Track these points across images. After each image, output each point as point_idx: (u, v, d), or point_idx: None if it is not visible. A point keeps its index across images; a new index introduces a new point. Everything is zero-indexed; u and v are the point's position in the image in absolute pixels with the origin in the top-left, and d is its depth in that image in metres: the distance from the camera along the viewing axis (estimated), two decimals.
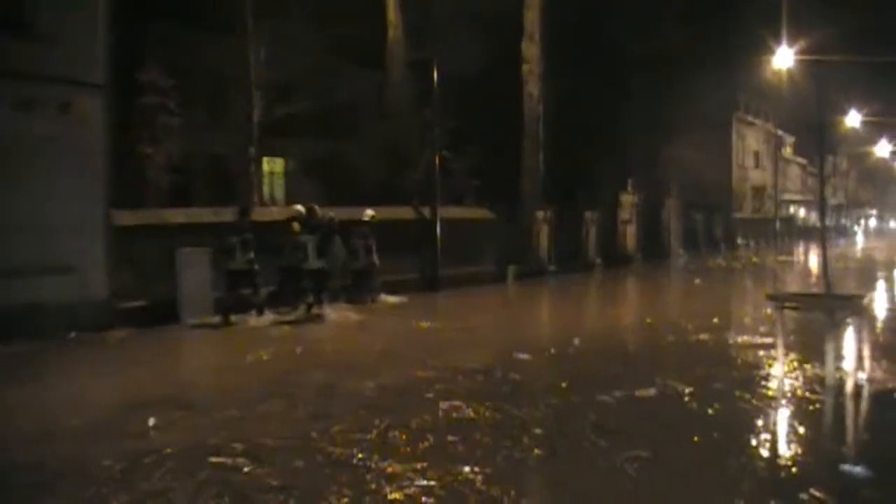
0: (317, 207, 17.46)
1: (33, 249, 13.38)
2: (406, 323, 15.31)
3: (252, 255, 15.50)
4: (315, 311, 16.22)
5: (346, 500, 5.81)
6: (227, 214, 16.62)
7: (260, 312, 15.76)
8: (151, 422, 7.95)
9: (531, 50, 28.43)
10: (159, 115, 19.96)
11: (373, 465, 6.51)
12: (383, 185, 25.45)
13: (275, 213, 18.88)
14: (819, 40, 36.59)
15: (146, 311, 14.82)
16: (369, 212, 18.82)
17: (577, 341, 12.88)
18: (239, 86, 22.17)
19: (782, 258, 34.11)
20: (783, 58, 37.43)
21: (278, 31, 22.30)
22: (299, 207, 17.13)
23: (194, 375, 11.33)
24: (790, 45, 37.06)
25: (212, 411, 8.42)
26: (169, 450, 6.96)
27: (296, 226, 16.54)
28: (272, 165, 31.86)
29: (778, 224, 43.74)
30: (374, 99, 29.81)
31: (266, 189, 29.63)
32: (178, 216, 16.62)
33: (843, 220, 73.03)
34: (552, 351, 12.20)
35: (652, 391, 9.18)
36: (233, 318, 15.23)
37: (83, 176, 14.10)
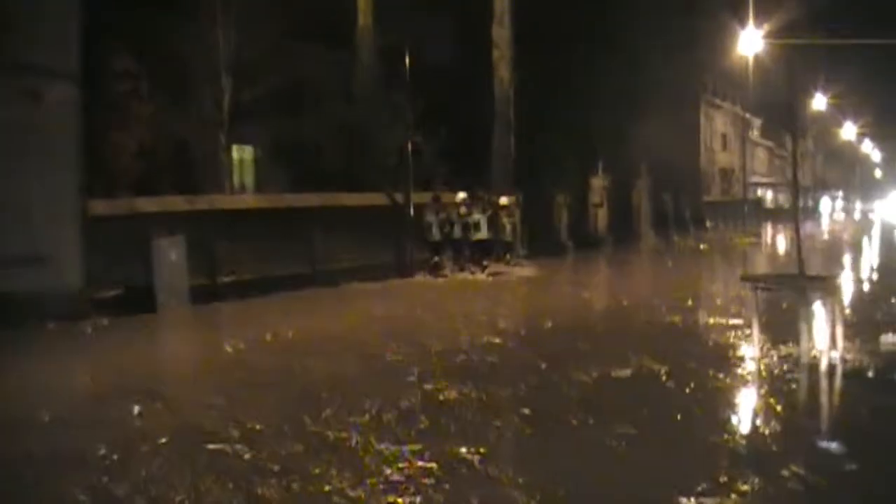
0: (485, 193, 23.47)
1: (8, 239, 13.25)
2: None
3: (446, 230, 21.18)
4: (487, 270, 21.41)
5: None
6: (202, 203, 16.70)
7: (438, 273, 20.92)
8: (136, 409, 7.95)
9: (501, 34, 28.46)
10: (131, 101, 19.77)
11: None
12: (353, 171, 25.36)
13: (249, 201, 19.08)
14: (784, 23, 37.00)
15: (121, 299, 14.73)
16: (505, 198, 23.93)
17: (553, 322, 13.10)
18: (206, 71, 21.96)
19: (750, 240, 34.47)
20: (749, 42, 37.72)
21: (245, 14, 22.09)
22: (462, 195, 22.13)
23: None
24: (757, 27, 37.39)
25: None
26: None
27: (463, 210, 21.71)
28: (241, 153, 31.63)
29: (746, 206, 44.02)
30: (344, 85, 29.67)
31: (236, 177, 29.42)
32: (151, 205, 16.50)
33: (809, 202, 73.63)
34: (526, 332, 12.48)
35: (628, 371, 9.33)
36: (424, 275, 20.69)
37: (58, 165, 13.99)
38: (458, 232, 21.66)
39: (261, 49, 23.10)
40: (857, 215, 75.90)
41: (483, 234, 21.90)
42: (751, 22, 36.84)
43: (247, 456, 6.44)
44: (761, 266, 23.00)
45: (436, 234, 21.21)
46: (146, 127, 20.41)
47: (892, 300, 15.33)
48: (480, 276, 21.08)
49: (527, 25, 29.26)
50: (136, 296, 14.87)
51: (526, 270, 22.47)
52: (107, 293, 14.61)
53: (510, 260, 23.45)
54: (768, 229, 45.40)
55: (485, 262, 21.74)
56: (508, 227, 23.67)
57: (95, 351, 11.70)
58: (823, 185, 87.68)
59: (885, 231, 43.09)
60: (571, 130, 33.88)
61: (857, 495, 5.69)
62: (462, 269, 21.63)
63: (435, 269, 20.97)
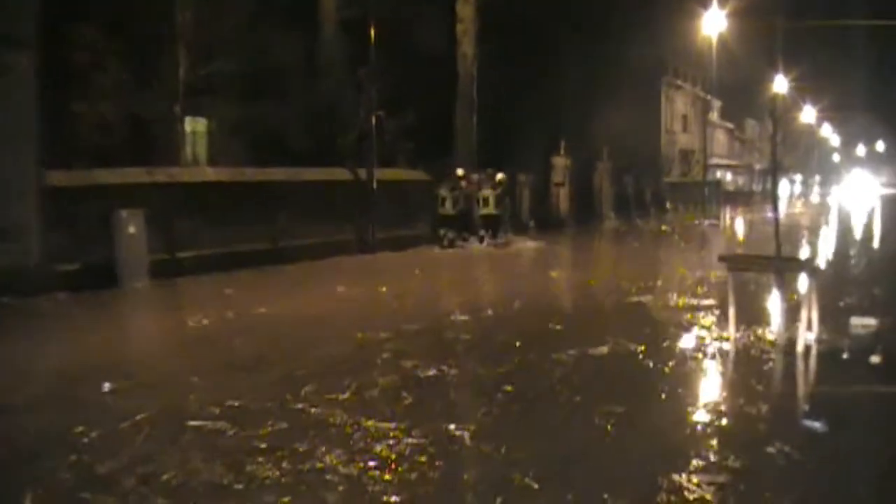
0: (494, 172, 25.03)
1: None
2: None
3: (459, 204, 23.04)
4: (496, 241, 23.74)
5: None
6: (162, 175, 16.42)
7: (452, 244, 22.66)
8: (108, 386, 7.71)
9: (466, 10, 28.22)
10: (92, 73, 19.27)
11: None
12: (313, 147, 25.05)
13: (210, 175, 18.79)
14: (747, 3, 37.16)
15: (82, 274, 14.36)
16: (501, 174, 25.03)
17: (524, 302, 12.99)
18: (164, 44, 21.58)
19: (711, 222, 34.72)
20: (712, 22, 37.87)
21: None
22: (459, 171, 24.20)
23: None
24: (720, 7, 37.55)
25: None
26: None
27: (465, 184, 23.67)
28: (194, 125, 31.05)
29: (707, 189, 44.05)
30: (304, 58, 29.26)
31: (189, 149, 28.89)
32: (111, 176, 16.09)
33: (768, 185, 73.82)
34: (501, 311, 12.27)
35: (605, 350, 9.23)
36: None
37: (15, 136, 13.55)
38: (467, 206, 23.51)
39: (221, 22, 22.75)
40: (815, 199, 76.56)
41: (491, 208, 23.87)
42: (714, 2, 36.97)
43: (230, 433, 6.26)
44: (725, 247, 23.25)
45: (449, 208, 23.00)
46: (106, 99, 19.91)
47: (866, 279, 15.98)
48: (490, 248, 23.04)
49: (491, 5, 29.05)
50: (95, 270, 14.52)
51: (530, 243, 24.60)
52: (66, 267, 14.23)
53: (508, 233, 24.94)
54: (727, 212, 45.68)
55: (493, 235, 23.82)
56: (506, 202, 25.25)
57: (57, 327, 11.33)
58: (782, 168, 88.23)
59: (843, 215, 43.55)
60: (533, 109, 33.79)
61: (840, 470, 5.72)
62: (468, 241, 23.41)
63: (448, 242, 22.63)
